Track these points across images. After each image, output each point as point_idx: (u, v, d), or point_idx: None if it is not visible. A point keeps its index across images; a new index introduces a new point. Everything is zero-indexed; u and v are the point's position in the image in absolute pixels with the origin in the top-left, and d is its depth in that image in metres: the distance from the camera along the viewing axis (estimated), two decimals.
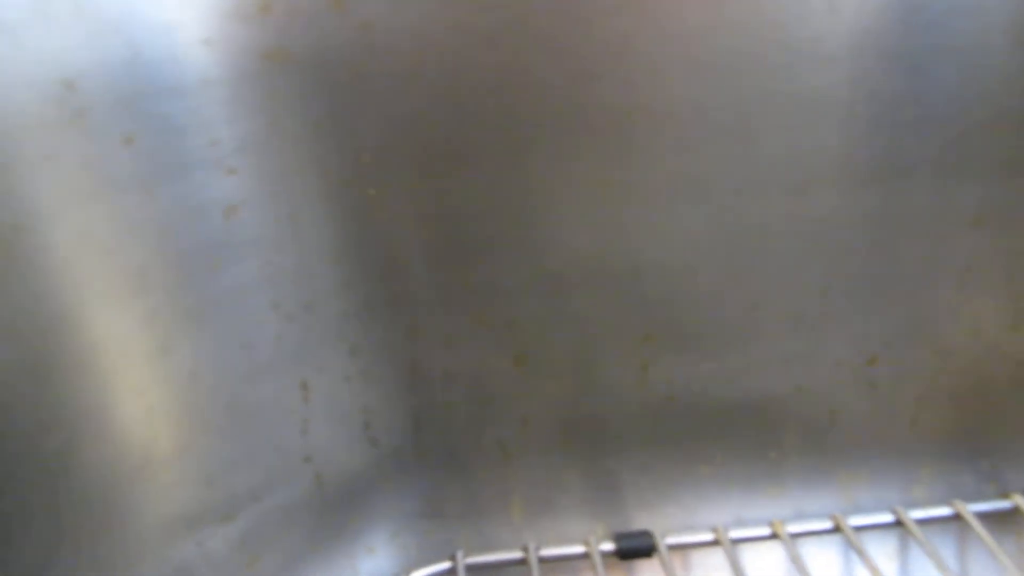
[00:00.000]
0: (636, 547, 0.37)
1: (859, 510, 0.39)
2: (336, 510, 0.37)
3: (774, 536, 0.38)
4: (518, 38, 0.31)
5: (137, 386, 0.28)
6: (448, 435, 0.37)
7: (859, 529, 0.38)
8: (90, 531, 0.27)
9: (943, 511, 0.39)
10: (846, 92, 0.33)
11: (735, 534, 0.38)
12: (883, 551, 0.40)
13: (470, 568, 0.36)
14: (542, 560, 0.37)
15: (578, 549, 0.37)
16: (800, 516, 0.39)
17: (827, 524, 0.38)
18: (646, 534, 0.37)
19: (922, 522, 0.38)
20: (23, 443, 0.24)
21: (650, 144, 0.33)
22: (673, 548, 0.37)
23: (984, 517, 0.38)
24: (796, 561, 0.35)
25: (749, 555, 0.39)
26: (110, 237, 0.25)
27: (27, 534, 0.24)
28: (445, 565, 0.36)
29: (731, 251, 0.35)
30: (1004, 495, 0.39)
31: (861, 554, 0.36)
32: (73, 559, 0.27)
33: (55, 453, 0.25)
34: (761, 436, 0.39)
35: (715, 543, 0.37)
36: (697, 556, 0.39)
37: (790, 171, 0.34)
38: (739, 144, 0.33)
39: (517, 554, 0.37)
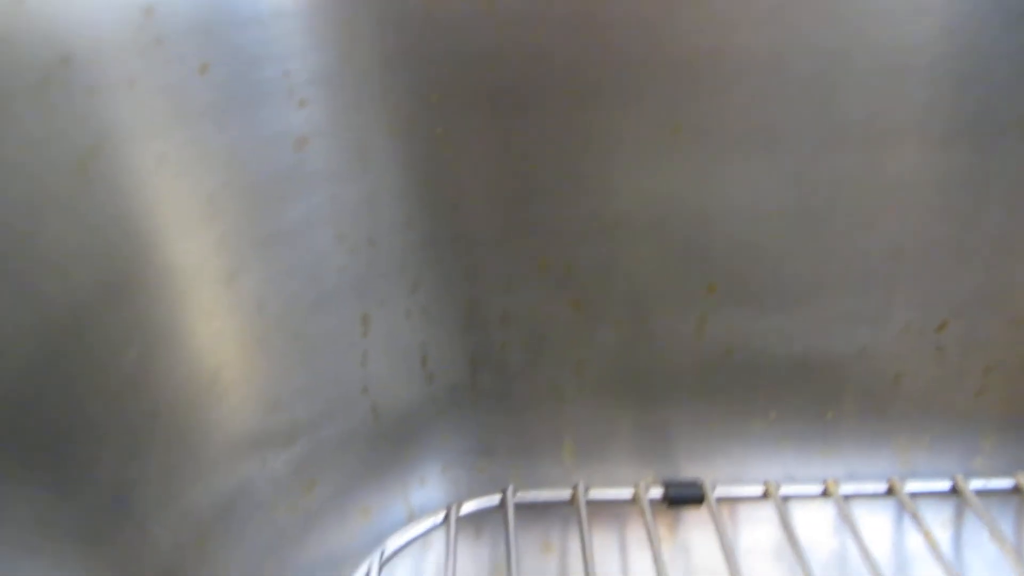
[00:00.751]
0: (685, 495, 0.37)
1: (916, 476, 0.39)
2: (391, 441, 0.38)
3: (826, 494, 0.37)
4: None
5: (207, 311, 0.29)
6: (503, 375, 0.38)
7: (915, 495, 0.37)
8: (163, 444, 0.28)
9: (1004, 483, 0.38)
10: (936, 46, 0.31)
11: (787, 491, 0.37)
12: (938, 519, 0.39)
13: (519, 505, 0.37)
14: (590, 502, 0.37)
15: (627, 493, 0.37)
16: (854, 478, 0.39)
17: (882, 487, 0.38)
18: (695, 483, 0.37)
19: (981, 492, 0.37)
20: (102, 357, 0.25)
21: (724, 93, 0.32)
22: (722, 500, 0.37)
23: None
24: (847, 521, 0.35)
25: (798, 514, 0.39)
26: (183, 164, 0.26)
27: (105, 445, 0.26)
28: (495, 499, 0.37)
29: (801, 205, 0.34)
30: None
31: (916, 518, 0.35)
32: (146, 470, 0.29)
33: (130, 369, 0.26)
34: (819, 396, 0.39)
35: (765, 497, 0.37)
36: (745, 510, 0.39)
37: (869, 126, 0.33)
38: (816, 96, 0.32)
39: (566, 494, 0.37)
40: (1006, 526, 0.39)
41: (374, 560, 0.35)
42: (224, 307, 0.29)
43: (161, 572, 0.30)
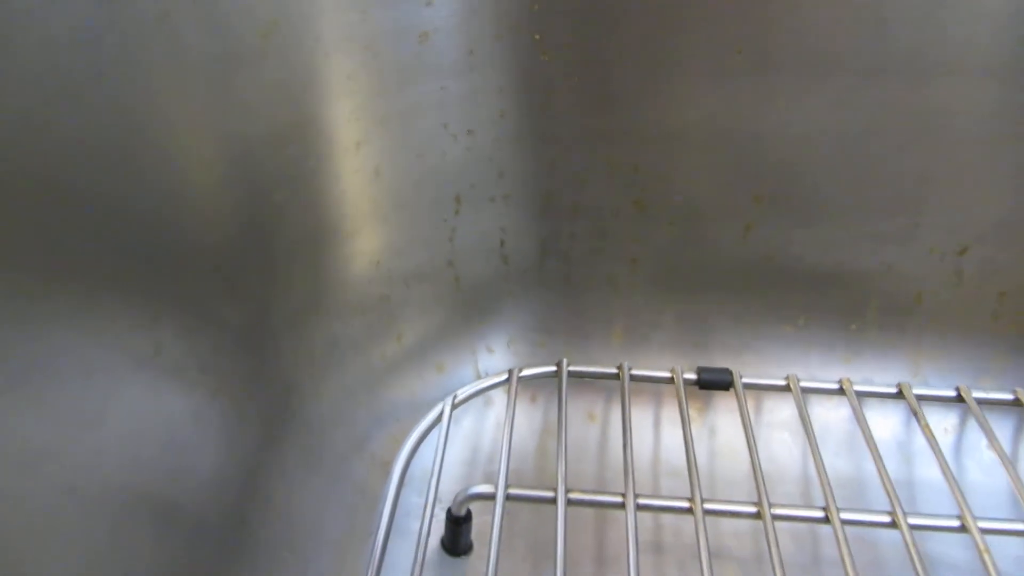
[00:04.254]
0: (715, 380, 0.42)
1: (927, 385, 0.43)
2: (467, 311, 0.44)
3: (841, 391, 0.43)
4: None
5: (336, 171, 0.35)
6: (568, 263, 0.44)
7: (921, 399, 0.42)
8: (295, 279, 0.35)
9: (1004, 395, 0.42)
10: None
11: (806, 384, 0.43)
12: (941, 425, 0.44)
13: (572, 374, 0.43)
14: (633, 378, 0.43)
15: (665, 374, 0.43)
16: (870, 384, 0.44)
17: (893, 388, 0.43)
18: (726, 371, 0.43)
19: (983, 402, 0.42)
20: (259, 195, 0.32)
21: (781, 20, 0.37)
22: (748, 387, 0.43)
23: None
24: (857, 415, 0.40)
25: (816, 408, 0.44)
26: (333, 44, 0.32)
27: (250, 273, 0.33)
28: (551, 368, 0.43)
29: (843, 129, 0.39)
30: None
31: (918, 415, 0.40)
32: (280, 298, 0.36)
33: (277, 207, 0.33)
34: (846, 306, 0.44)
35: (786, 388, 0.43)
36: (768, 400, 0.44)
37: (913, 58, 0.37)
38: (867, 27, 0.36)
39: (612, 369, 0.43)
40: (1003, 435, 0.43)
41: (447, 404, 0.41)
42: (349, 170, 0.36)
43: (283, 385, 0.37)
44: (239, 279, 0.34)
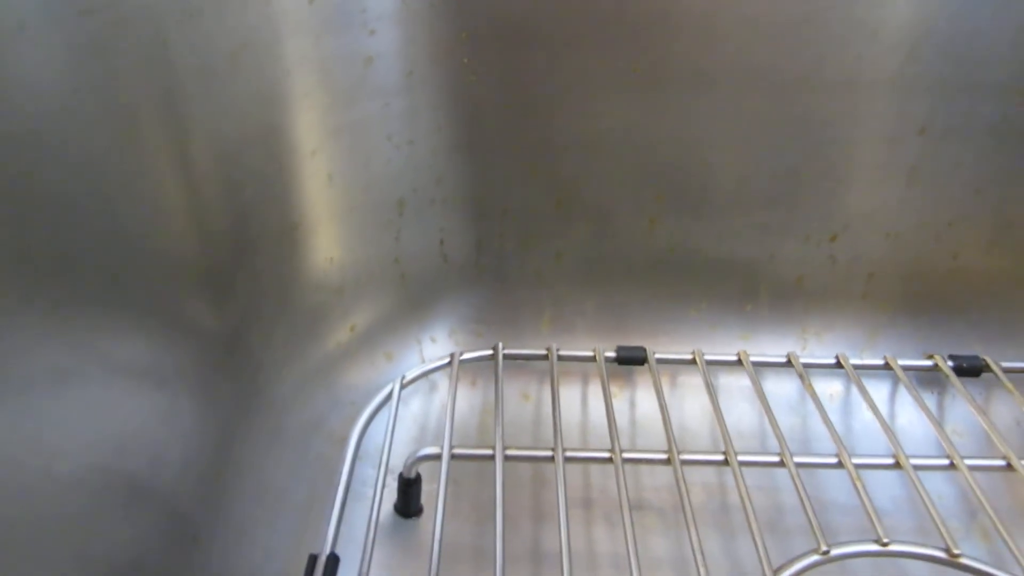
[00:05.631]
0: (631, 356, 0.49)
1: (812, 356, 0.50)
2: (412, 303, 0.50)
3: (739, 363, 0.49)
4: None
5: (295, 174, 0.41)
6: (501, 260, 0.50)
7: (807, 366, 0.49)
8: (258, 273, 0.40)
9: (877, 360, 0.49)
10: (826, 16, 0.44)
11: (710, 357, 0.49)
12: (827, 391, 0.51)
13: (506, 356, 0.49)
14: (560, 358, 0.49)
15: (588, 353, 0.49)
16: (764, 357, 0.51)
17: (782, 359, 0.49)
18: (640, 348, 0.49)
19: (859, 367, 0.49)
20: (234, 190, 0.37)
21: (670, 45, 0.44)
22: (661, 362, 0.49)
23: (911, 373, 0.49)
24: (753, 380, 0.47)
25: (720, 379, 0.51)
26: (291, 66, 0.38)
27: (226, 265, 0.38)
28: (488, 352, 0.49)
29: (727, 136, 0.46)
30: (929, 356, 0.50)
31: (803, 379, 0.47)
32: (244, 290, 0.41)
33: (247, 202, 0.38)
34: (740, 290, 0.51)
35: (692, 362, 0.49)
36: (679, 374, 0.51)
37: (777, 75, 0.45)
38: (739, 51, 0.44)
39: (542, 351, 0.49)
40: (878, 397, 0.51)
41: (396, 384, 0.47)
42: (307, 175, 0.41)
43: (251, 368, 0.42)
44: (213, 271, 0.39)
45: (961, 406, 0.50)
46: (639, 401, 0.50)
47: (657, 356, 0.49)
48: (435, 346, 0.51)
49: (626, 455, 0.42)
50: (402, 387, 0.46)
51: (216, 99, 0.35)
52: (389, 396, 0.46)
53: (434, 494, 0.39)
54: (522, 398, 0.51)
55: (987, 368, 0.48)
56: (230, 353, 0.40)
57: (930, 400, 0.51)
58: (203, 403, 0.37)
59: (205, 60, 0.34)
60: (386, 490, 0.45)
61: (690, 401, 0.50)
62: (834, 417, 0.49)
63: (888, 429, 0.43)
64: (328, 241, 0.44)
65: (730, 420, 0.49)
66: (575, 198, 0.48)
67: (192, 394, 0.37)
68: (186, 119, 0.34)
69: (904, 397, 0.51)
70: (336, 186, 0.43)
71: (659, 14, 0.42)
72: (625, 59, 0.44)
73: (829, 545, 0.37)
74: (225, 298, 0.39)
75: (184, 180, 0.35)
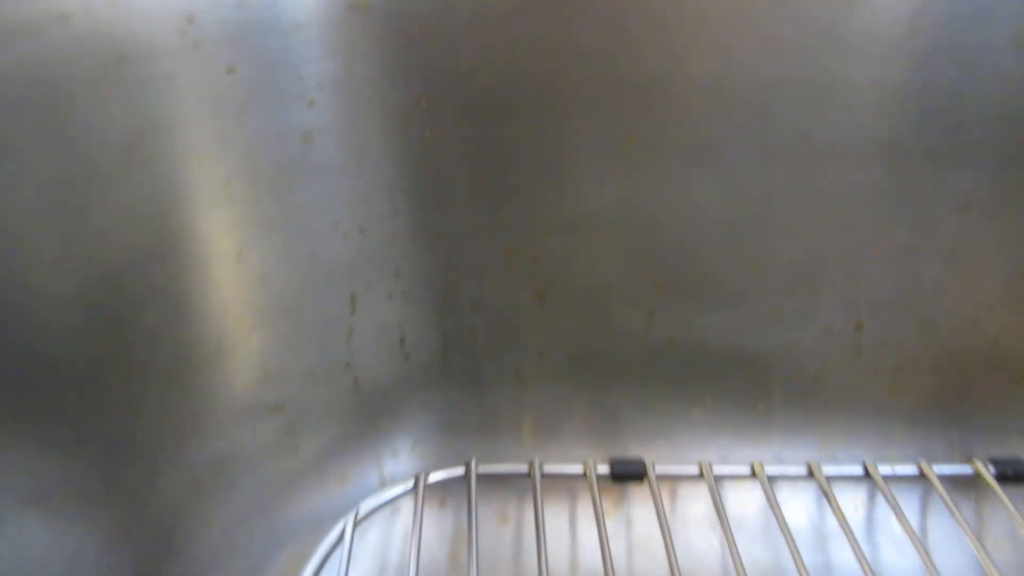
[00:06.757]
0: (628, 472, 0.41)
1: (835, 462, 0.43)
2: (369, 413, 0.42)
3: (753, 476, 0.42)
4: (566, 8, 0.35)
5: (217, 283, 0.33)
6: (472, 358, 0.42)
7: (832, 478, 0.42)
8: (171, 403, 0.32)
9: (909, 469, 0.43)
10: (855, 78, 0.37)
11: (719, 471, 0.42)
12: (852, 501, 0.44)
13: (481, 476, 0.41)
14: (545, 475, 0.41)
15: (577, 469, 0.42)
16: (779, 462, 0.44)
17: (802, 470, 0.42)
18: (638, 461, 0.42)
19: (889, 478, 0.42)
20: (126, 317, 0.29)
21: (671, 112, 0.37)
22: (662, 477, 0.42)
23: (947, 480, 0.42)
24: (771, 500, 0.40)
25: (730, 492, 0.44)
26: (207, 152, 0.30)
27: (121, 401, 0.30)
28: (459, 471, 0.41)
29: (739, 214, 0.39)
30: (968, 461, 0.43)
31: (828, 497, 0.40)
32: (154, 426, 0.33)
33: (149, 329, 0.30)
34: (751, 387, 0.44)
35: (699, 477, 0.42)
36: (683, 488, 0.44)
37: (798, 146, 0.38)
38: (753, 118, 0.37)
39: (524, 468, 0.42)
40: (910, 510, 0.44)
41: (348, 521, 0.39)
42: (232, 280, 0.33)
43: (160, 522, 0.33)
44: (112, 409, 0.30)
45: (1004, 517, 0.44)
46: (636, 522, 0.43)
47: (658, 470, 0.42)
48: (397, 461, 0.43)
49: None
50: (356, 524, 0.38)
51: (101, 210, 0.27)
52: (342, 535, 0.38)
53: None
54: (500, 520, 0.43)
55: None
56: (141, 502, 0.32)
57: (967, 509, 0.44)
58: (110, 562, 0.29)
59: (84, 159, 0.26)
60: None
61: (696, 524, 0.43)
62: (865, 541, 0.42)
63: (922, 550, 0.37)
64: (262, 353, 0.36)
65: (742, 543, 0.41)
66: (560, 287, 0.40)
67: (96, 552, 0.29)
68: (62, 235, 0.26)
69: (939, 507, 0.44)
70: (271, 288, 0.35)
71: (661, 76, 0.35)
72: (620, 127, 0.36)
73: None
74: (131, 436, 0.31)
75: (67, 312, 0.27)
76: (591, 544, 0.42)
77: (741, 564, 0.36)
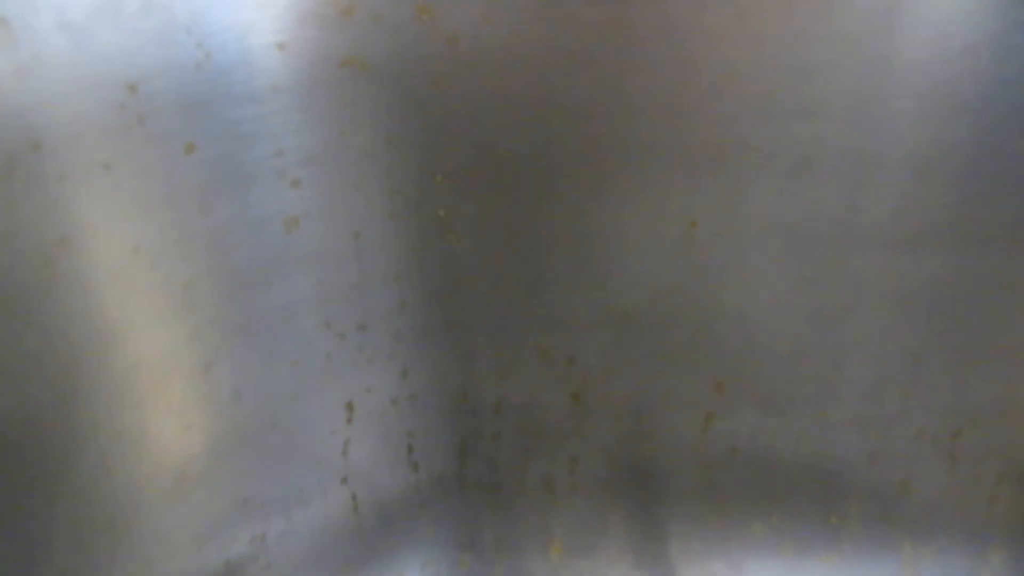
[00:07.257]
0: None
1: None
2: (370, 534, 0.35)
3: None
4: (614, 59, 0.28)
5: (177, 405, 0.26)
6: (493, 467, 0.35)
7: None
8: (121, 553, 0.25)
9: None
10: (965, 148, 0.30)
11: None
12: None
13: None
14: None
15: None
16: None
17: None
18: None
19: None
20: (55, 466, 0.22)
21: (743, 184, 0.30)
22: None
23: None
24: None
25: None
26: (161, 251, 0.24)
27: (57, 560, 0.23)
28: None
29: (818, 304, 0.32)
30: None
31: None
32: None
33: (87, 476, 0.23)
34: (824, 500, 0.37)
35: None
36: None
37: (893, 227, 0.31)
38: (840, 194, 0.30)
39: None
40: None
41: None
42: (196, 399, 0.27)
43: None
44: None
45: None
46: None
47: None
48: None
49: None
50: None
51: (9, 343, 0.20)
52: None
53: None
54: None
55: None
56: None
57: None
58: None
59: None
60: None
61: None
62: None
63: None
64: (238, 475, 0.29)
65: None
66: (599, 387, 0.33)
67: None
68: None
69: None
70: (247, 403, 0.28)
71: (738, 145, 0.28)
72: (679, 210, 0.30)
73: None
74: None
75: None
76: None
77: None
